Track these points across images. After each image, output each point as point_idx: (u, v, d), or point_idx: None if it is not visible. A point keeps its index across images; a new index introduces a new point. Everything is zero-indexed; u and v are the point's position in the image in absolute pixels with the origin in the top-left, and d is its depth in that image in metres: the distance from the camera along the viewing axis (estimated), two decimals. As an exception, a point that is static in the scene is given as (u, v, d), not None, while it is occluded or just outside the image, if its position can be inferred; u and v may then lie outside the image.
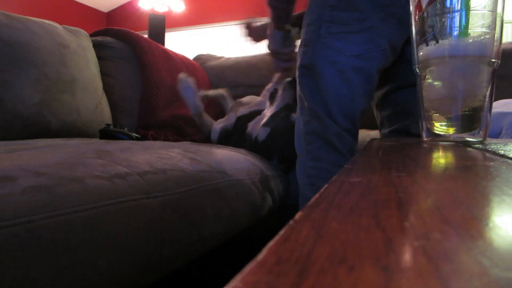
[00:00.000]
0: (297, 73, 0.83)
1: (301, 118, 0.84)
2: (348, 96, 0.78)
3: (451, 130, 0.51)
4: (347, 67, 0.76)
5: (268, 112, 1.18)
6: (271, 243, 0.12)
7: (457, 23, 0.49)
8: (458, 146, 0.46)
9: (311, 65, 0.79)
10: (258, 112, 1.24)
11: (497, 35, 0.49)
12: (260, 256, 0.11)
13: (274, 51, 1.10)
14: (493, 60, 0.49)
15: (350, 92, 0.78)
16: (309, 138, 0.81)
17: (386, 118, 0.93)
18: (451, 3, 0.49)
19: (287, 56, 1.12)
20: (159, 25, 2.80)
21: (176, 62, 1.67)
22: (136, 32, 1.62)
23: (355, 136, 0.82)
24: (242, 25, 1.20)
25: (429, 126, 0.53)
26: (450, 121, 0.52)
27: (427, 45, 0.50)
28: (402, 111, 0.88)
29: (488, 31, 0.48)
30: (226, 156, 0.89)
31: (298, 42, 1.01)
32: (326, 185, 0.20)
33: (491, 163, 0.31)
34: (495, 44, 0.49)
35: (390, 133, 0.91)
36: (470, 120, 0.51)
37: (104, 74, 1.46)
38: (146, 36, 1.82)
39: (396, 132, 0.90)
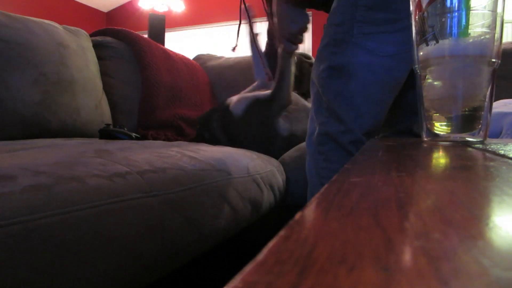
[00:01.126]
0: (320, 74, 0.81)
1: (317, 118, 0.83)
2: (379, 97, 0.78)
3: (451, 130, 0.51)
4: (380, 68, 0.76)
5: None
6: (271, 243, 0.12)
7: (457, 23, 0.49)
8: (458, 146, 0.46)
9: (342, 66, 0.78)
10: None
11: (497, 35, 0.49)
12: (260, 256, 0.11)
13: (288, 32, 0.96)
14: (493, 60, 0.49)
15: (381, 93, 0.77)
16: (323, 140, 0.81)
17: (389, 119, 0.92)
18: (451, 3, 0.49)
19: (301, 36, 1.00)
20: (159, 25, 2.80)
21: (176, 62, 1.67)
22: (136, 32, 1.62)
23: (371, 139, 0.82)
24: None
25: (429, 126, 0.53)
26: (450, 121, 0.52)
27: (427, 45, 0.50)
28: (406, 112, 0.88)
29: (488, 31, 0.48)
30: (225, 154, 0.89)
31: None
32: (326, 185, 0.20)
33: (491, 163, 0.31)
34: (495, 44, 0.49)
35: (392, 134, 0.91)
36: (470, 120, 0.51)
37: (104, 74, 1.46)
38: (146, 36, 1.82)
39: (399, 133, 0.90)
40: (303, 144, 1.11)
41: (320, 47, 0.83)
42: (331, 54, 0.80)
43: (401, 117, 0.89)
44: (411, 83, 0.85)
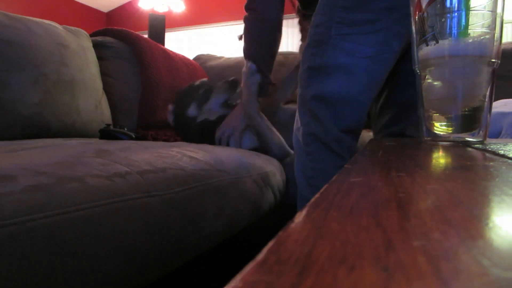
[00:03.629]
0: (302, 75, 0.82)
1: (301, 119, 0.83)
2: (357, 97, 0.77)
3: (451, 130, 0.51)
4: (357, 69, 0.76)
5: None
6: (271, 243, 0.12)
7: (457, 23, 0.49)
8: (458, 146, 0.46)
9: (320, 67, 0.78)
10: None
11: (497, 35, 0.49)
12: (260, 256, 0.11)
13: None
14: (493, 60, 0.49)
15: (359, 93, 0.77)
16: (308, 140, 0.81)
17: (382, 121, 0.93)
18: (451, 3, 0.49)
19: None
20: (159, 25, 2.79)
21: (176, 62, 1.67)
22: (136, 32, 1.62)
23: (356, 138, 0.82)
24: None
25: (429, 126, 0.53)
26: (450, 121, 0.52)
27: (427, 45, 0.50)
28: (400, 114, 0.88)
29: (488, 31, 0.48)
30: (225, 154, 0.89)
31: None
32: (326, 185, 0.20)
33: (491, 163, 0.31)
34: (495, 44, 0.49)
35: (384, 137, 0.91)
36: (470, 120, 0.51)
37: (104, 74, 1.46)
38: (146, 36, 1.82)
39: (392, 136, 0.90)
40: None
41: (304, 48, 0.83)
42: (310, 55, 0.80)
43: (394, 120, 0.90)
44: (404, 84, 0.85)
